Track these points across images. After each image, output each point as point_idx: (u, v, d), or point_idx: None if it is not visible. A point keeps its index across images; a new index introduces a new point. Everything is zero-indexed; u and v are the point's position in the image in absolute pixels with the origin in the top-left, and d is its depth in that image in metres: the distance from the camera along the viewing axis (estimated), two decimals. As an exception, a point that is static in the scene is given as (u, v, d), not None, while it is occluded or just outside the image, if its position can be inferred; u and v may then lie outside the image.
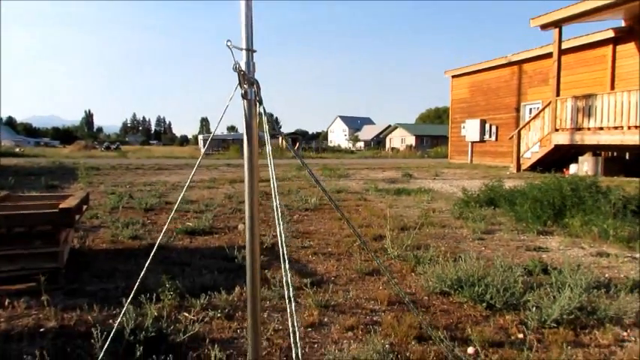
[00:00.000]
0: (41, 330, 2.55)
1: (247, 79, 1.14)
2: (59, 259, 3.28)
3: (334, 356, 2.25)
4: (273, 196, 1.26)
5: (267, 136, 1.27)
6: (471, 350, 2.47)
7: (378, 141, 75.45)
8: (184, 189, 1.76)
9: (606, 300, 3.02)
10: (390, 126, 76.04)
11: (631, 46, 14.84)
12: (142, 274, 1.63)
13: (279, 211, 1.22)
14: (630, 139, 11.77)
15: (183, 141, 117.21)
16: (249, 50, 1.12)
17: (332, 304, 3.09)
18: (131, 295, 1.89)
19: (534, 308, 2.90)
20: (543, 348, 2.51)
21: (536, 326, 2.74)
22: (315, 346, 2.53)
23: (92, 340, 2.21)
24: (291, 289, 1.14)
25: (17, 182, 9.98)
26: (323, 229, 5.72)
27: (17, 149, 32.76)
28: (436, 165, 20.27)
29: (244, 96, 1.18)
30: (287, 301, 1.16)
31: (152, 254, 1.53)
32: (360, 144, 73.75)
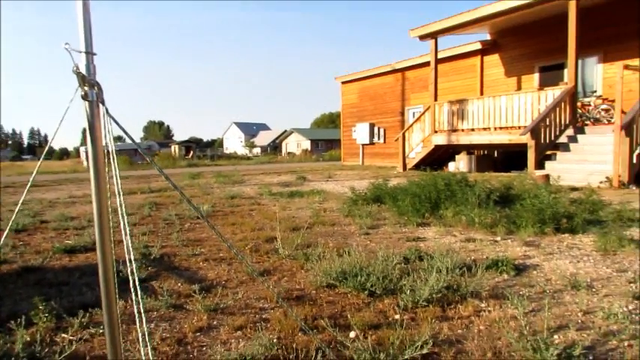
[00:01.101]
0: None
1: (87, 81, 1.16)
2: None
3: (221, 356, 2.29)
4: (118, 204, 1.28)
5: (110, 140, 1.28)
6: (352, 334, 2.65)
7: (275, 146, 75.90)
8: (25, 192, 1.69)
9: (468, 278, 3.41)
10: (285, 131, 76.87)
11: (495, 57, 16.70)
12: None
13: (125, 223, 1.24)
14: (496, 138, 13.23)
15: (63, 154, 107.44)
16: (89, 53, 1.14)
17: (221, 307, 3.11)
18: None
19: (409, 291, 3.18)
20: (415, 325, 2.77)
21: (410, 306, 3.02)
22: (204, 348, 2.54)
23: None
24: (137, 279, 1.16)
25: None
26: (215, 236, 5.67)
27: None
28: (330, 167, 20.96)
29: (84, 97, 1.19)
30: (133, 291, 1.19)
31: None
32: (257, 150, 73.61)
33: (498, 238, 5.09)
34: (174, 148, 49.38)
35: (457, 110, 14.51)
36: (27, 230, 6.40)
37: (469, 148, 15.24)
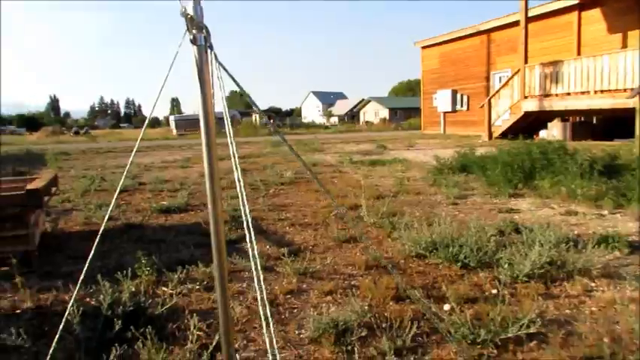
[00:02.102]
0: (17, 311, 2.51)
1: (196, 24, 1.11)
2: (30, 242, 3.21)
3: (313, 319, 2.28)
4: (234, 166, 1.24)
5: (221, 85, 1.24)
6: (447, 307, 2.54)
7: (352, 115, 75.45)
8: (129, 161, 1.73)
9: (575, 254, 3.13)
10: (363, 100, 75.98)
11: (596, 12, 15.05)
12: (90, 255, 1.60)
13: (242, 188, 1.20)
14: (597, 103, 12.05)
15: (155, 123, 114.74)
16: None
17: (310, 271, 3.12)
18: (83, 272, 1.87)
19: (507, 265, 2.99)
20: (516, 301, 2.60)
21: (509, 281, 2.83)
22: (295, 310, 2.56)
23: (69, 318, 2.18)
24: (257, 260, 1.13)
25: (-18, 170, 9.66)
26: (299, 202, 5.73)
27: (-20, 137, 31.55)
28: (410, 136, 20.43)
29: (193, 41, 1.15)
30: (253, 267, 1.16)
31: (101, 230, 1.49)
32: (334, 119, 73.59)
33: (605, 212, 4.65)
34: (255, 118, 50.74)
35: (550, 73, 13.36)
36: (128, 191, 6.87)
37: (563, 115, 14.06)
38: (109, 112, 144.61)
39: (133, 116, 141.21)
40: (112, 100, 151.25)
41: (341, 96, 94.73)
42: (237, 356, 2.03)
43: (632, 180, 4.92)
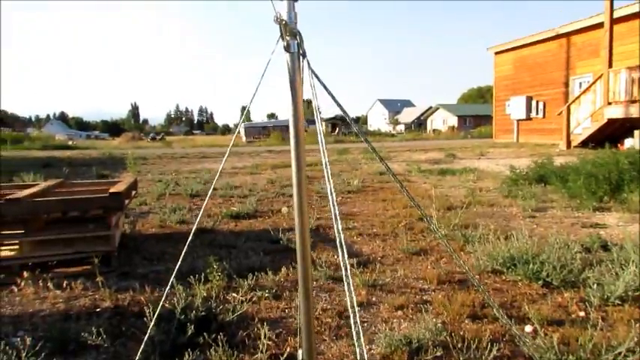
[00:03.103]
0: (97, 310, 2.63)
1: (289, 29, 1.09)
2: (111, 243, 3.38)
3: (385, 335, 2.20)
4: (326, 174, 1.20)
5: (314, 93, 1.21)
6: (528, 329, 2.36)
7: (419, 123, 74.11)
8: (220, 167, 1.74)
9: (675, 277, 2.82)
10: (430, 107, 74.46)
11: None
12: (182, 255, 1.62)
13: (332, 188, 1.16)
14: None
15: (226, 130, 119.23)
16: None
17: (380, 283, 3.04)
18: (173, 274, 1.90)
19: (595, 285, 2.74)
20: (608, 326, 2.37)
21: (598, 304, 2.60)
22: (365, 324, 2.49)
23: (145, 319, 2.25)
24: (349, 270, 1.08)
25: (71, 172, 10.44)
26: (367, 211, 5.65)
27: (70, 142, 34.24)
28: (480, 145, 19.69)
29: (287, 49, 1.12)
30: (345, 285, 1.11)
31: (192, 233, 1.50)
32: (401, 127, 72.66)
33: None
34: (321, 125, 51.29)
35: (638, 78, 12.34)
36: (200, 196, 7.12)
37: (653, 123, 12.93)
38: (183, 119, 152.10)
39: (205, 123, 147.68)
40: (186, 108, 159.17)
41: (408, 104, 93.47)
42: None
43: None
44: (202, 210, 1.63)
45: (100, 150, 22.68)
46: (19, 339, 2.25)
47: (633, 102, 12.51)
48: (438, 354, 2.07)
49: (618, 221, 4.68)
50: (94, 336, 2.14)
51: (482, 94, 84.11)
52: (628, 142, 13.00)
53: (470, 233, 4.09)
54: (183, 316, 2.27)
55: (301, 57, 1.15)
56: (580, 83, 17.82)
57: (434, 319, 2.40)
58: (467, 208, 5.42)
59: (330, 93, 1.25)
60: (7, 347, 2.02)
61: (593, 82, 14.19)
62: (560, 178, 6.27)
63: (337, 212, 1.09)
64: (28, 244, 3.21)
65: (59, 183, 4.11)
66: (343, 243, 1.06)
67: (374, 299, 2.82)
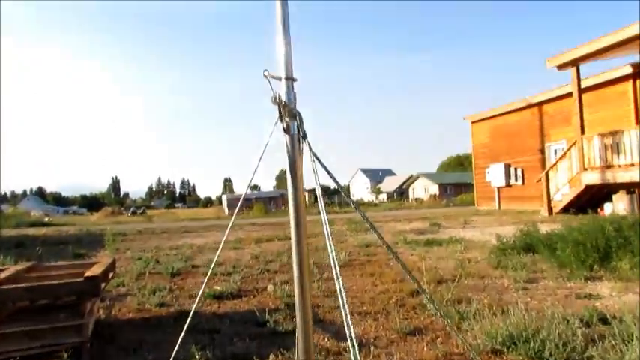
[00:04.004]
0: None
1: (288, 110, 1.04)
2: (84, 333, 3.14)
3: None
4: (328, 245, 1.11)
5: (316, 178, 1.14)
6: (538, 419, 2.18)
7: (401, 192, 75.08)
8: (217, 253, 1.63)
9: (681, 352, 2.69)
10: (412, 176, 75.86)
11: (652, 81, 14.65)
12: (175, 349, 1.47)
13: (335, 263, 1.07)
14: (666, 174, 11.33)
15: (207, 202, 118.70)
16: (290, 79, 1.02)
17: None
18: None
19: (601, 365, 2.60)
20: (621, 413, 2.21)
21: (607, 387, 2.44)
22: (362, 420, 2.28)
23: None
24: None
25: (45, 251, 10.05)
26: (355, 287, 5.48)
27: (46, 218, 33.47)
28: (463, 213, 19.84)
29: (286, 130, 1.07)
30: None
31: (185, 327, 1.38)
32: (383, 196, 73.40)
33: (702, 300, 4.11)
34: (305, 196, 51.53)
35: (610, 144, 12.81)
36: (180, 274, 6.85)
37: (629, 187, 13.25)
38: (165, 192, 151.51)
39: (187, 196, 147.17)
40: (168, 181, 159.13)
41: (389, 173, 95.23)
42: None
43: None
44: (200, 292, 1.50)
45: (77, 226, 22.16)
46: None
47: (609, 167, 12.88)
48: None
49: (611, 291, 4.59)
50: None
51: (461, 162, 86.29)
52: (607, 208, 13.23)
53: (464, 309, 3.94)
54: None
55: (301, 139, 1.10)
56: (555, 150, 18.45)
57: (436, 412, 2.21)
58: (458, 281, 5.29)
59: (331, 175, 1.20)
60: None
61: (568, 149, 14.68)
62: (548, 247, 6.23)
63: (345, 301, 0.99)
64: (-5, 337, 2.96)
65: (30, 266, 3.89)
66: (354, 338, 0.95)
67: (370, 388, 2.61)
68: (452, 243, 8.75)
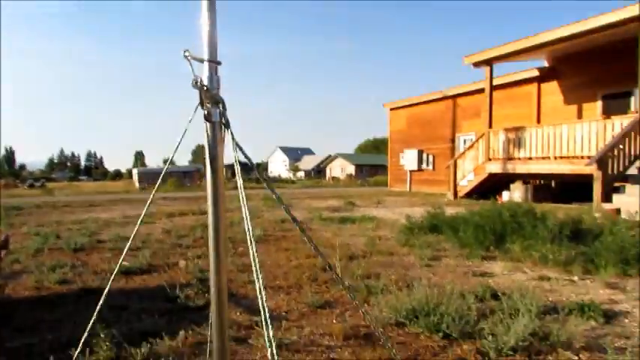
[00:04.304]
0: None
1: (211, 96, 1.00)
2: (-28, 311, 2.88)
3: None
4: (246, 219, 1.10)
5: (237, 167, 1.13)
6: (433, 385, 2.37)
7: (319, 170, 76.17)
8: (136, 229, 1.56)
9: (555, 324, 3.05)
10: (330, 156, 77.14)
11: (554, 85, 16.08)
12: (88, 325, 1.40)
13: (254, 253, 1.07)
14: (556, 168, 12.58)
15: (116, 175, 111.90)
16: (213, 62, 0.98)
17: (286, 342, 2.91)
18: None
19: (490, 336, 2.87)
20: (504, 377, 2.46)
21: (493, 355, 2.71)
22: (271, 392, 2.33)
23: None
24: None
25: None
26: (269, 262, 5.52)
27: None
28: (377, 193, 20.62)
29: (207, 118, 1.03)
30: None
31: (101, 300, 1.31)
32: (301, 174, 74.04)
33: (575, 278, 4.65)
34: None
35: (514, 138, 13.97)
36: (84, 249, 6.47)
37: (525, 177, 14.57)
38: (69, 164, 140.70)
39: (94, 169, 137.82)
40: (72, 153, 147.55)
41: (308, 152, 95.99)
42: None
43: (599, 246, 4.98)
44: (118, 266, 1.43)
45: (-35, 196, 19.95)
46: None
47: (510, 159, 14.02)
48: (349, 421, 1.98)
49: (503, 269, 5.05)
50: None
51: (377, 145, 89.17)
52: (505, 195, 14.43)
53: (372, 284, 4.14)
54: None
55: (224, 127, 1.06)
56: (464, 140, 19.69)
57: (342, 381, 2.32)
58: (367, 257, 5.53)
59: (250, 161, 1.18)
60: None
61: (476, 140, 15.73)
62: (451, 228, 6.69)
63: (260, 278, 0.99)
64: None
65: None
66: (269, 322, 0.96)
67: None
68: (364, 221, 9.09)
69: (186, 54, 0.94)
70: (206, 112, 1.02)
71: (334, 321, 3.38)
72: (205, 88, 0.98)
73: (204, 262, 5.34)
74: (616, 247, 4.90)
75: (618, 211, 9.04)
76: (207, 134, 1.04)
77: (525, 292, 3.72)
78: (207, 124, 1.03)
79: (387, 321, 3.30)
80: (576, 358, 2.74)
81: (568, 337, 2.88)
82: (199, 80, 0.97)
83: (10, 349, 2.87)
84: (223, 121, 1.05)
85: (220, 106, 1.03)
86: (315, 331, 3.16)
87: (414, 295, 3.45)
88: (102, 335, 2.69)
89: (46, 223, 9.88)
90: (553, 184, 14.99)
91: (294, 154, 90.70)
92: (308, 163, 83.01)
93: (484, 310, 3.43)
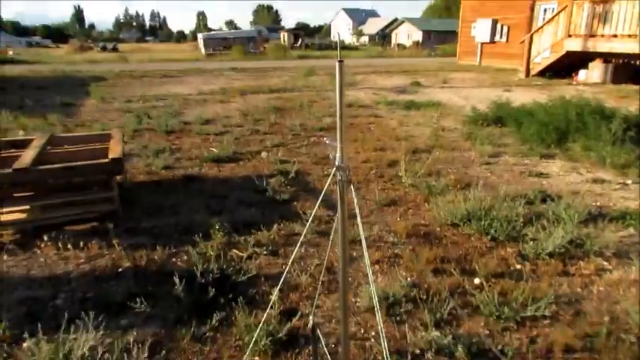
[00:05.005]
0: (120, 270, 3.05)
1: None
2: (114, 203, 3.73)
3: (366, 289, 2.77)
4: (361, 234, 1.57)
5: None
6: (477, 281, 2.99)
7: (384, 35, 72.59)
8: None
9: (593, 231, 3.49)
10: (396, 19, 72.63)
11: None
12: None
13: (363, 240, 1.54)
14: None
15: (180, 37, 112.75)
16: None
17: (358, 238, 3.57)
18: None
19: (531, 242, 3.38)
20: (536, 278, 3.02)
21: (532, 257, 3.24)
22: (350, 279, 3.05)
23: (173, 280, 2.70)
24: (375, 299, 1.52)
25: (30, 98, 10.20)
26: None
27: (10, 52, 31.88)
28: (444, 67, 20.01)
29: None
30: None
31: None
32: (365, 38, 71.08)
33: (629, 182, 4.89)
34: (283, 36, 49.47)
35: (599, 13, 12.75)
36: (174, 132, 7.32)
37: (607, 56, 13.58)
38: (134, 24, 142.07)
39: (158, 29, 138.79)
40: (136, 12, 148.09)
41: (373, 14, 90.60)
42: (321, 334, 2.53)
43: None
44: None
45: (49, 65, 21.46)
46: (60, 301, 2.68)
47: (592, 36, 13.00)
48: (409, 307, 2.66)
49: (559, 170, 5.34)
50: (130, 298, 2.60)
51: (449, 6, 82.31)
52: (582, 74, 13.69)
53: (433, 184, 4.64)
54: (203, 280, 2.74)
55: None
56: (545, 9, 18.06)
57: (404, 274, 2.99)
58: (430, 152, 5.95)
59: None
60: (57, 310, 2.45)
61: (557, 13, 14.47)
62: (515, 122, 6.84)
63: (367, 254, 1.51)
64: (39, 208, 3.52)
65: (50, 139, 4.28)
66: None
67: (354, 254, 3.36)
68: (429, 107, 9.28)
69: None
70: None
71: (398, 219, 4.00)
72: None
73: (283, 152, 6.00)
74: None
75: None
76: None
77: (574, 198, 4.11)
78: None
79: (444, 222, 3.87)
80: (606, 263, 3.23)
81: (602, 245, 3.33)
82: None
83: (145, 229, 3.75)
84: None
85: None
86: (382, 228, 3.81)
87: (469, 201, 3.94)
88: (216, 226, 3.45)
89: (131, 98, 10.84)
90: (638, 62, 13.92)
91: (359, 17, 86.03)
92: (372, 26, 78.91)
93: (531, 216, 3.88)
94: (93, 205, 3.68)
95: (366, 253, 1.46)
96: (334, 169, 1.38)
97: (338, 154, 1.36)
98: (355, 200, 1.42)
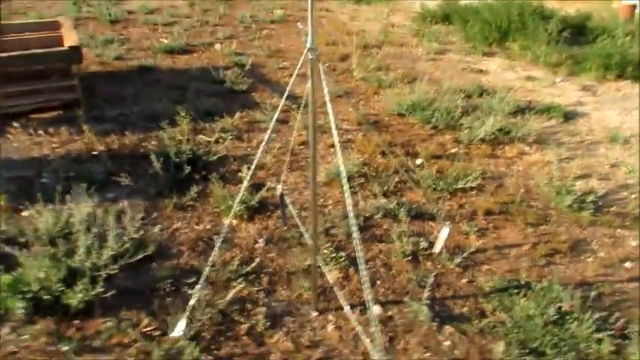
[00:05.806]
0: (95, 153, 3.24)
1: None
2: (77, 91, 3.78)
3: (325, 168, 3.16)
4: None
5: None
6: (418, 161, 3.45)
7: None
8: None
9: (520, 121, 3.99)
10: None
11: None
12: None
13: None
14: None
15: None
16: None
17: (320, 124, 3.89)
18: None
19: (467, 129, 3.85)
20: (468, 159, 3.53)
21: (466, 143, 3.73)
22: (308, 159, 3.41)
23: (148, 160, 2.95)
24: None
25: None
26: (293, 47, 6.18)
27: None
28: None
29: None
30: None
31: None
32: None
33: (558, 79, 5.40)
34: None
35: None
36: (119, 22, 7.01)
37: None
38: None
39: None
40: None
41: None
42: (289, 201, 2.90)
43: (589, 51, 5.58)
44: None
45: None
46: (46, 179, 2.89)
47: None
48: (361, 182, 3.10)
49: (498, 67, 5.77)
50: (110, 176, 2.85)
51: None
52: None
53: (382, 78, 4.94)
54: (177, 159, 3.00)
55: None
56: None
57: (357, 156, 3.39)
58: (379, 47, 6.16)
59: None
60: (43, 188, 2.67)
61: None
62: (462, 19, 7.08)
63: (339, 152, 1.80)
64: (1, 96, 3.52)
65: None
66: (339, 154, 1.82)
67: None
68: (380, 2, 9.23)
69: None
70: None
71: (350, 109, 4.33)
72: None
73: (236, 45, 5.99)
74: (602, 51, 5.52)
75: (633, 8, 9.10)
76: None
77: (508, 92, 4.58)
78: None
79: (391, 112, 4.24)
80: (527, 148, 3.78)
81: (525, 133, 3.85)
82: None
83: (111, 117, 3.88)
84: None
85: None
86: (336, 117, 4.12)
87: (415, 93, 4.30)
88: (182, 113, 3.63)
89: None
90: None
91: None
92: None
93: (469, 108, 4.32)
94: (55, 93, 3.71)
95: (334, 131, 1.76)
96: (306, 50, 1.63)
97: (309, 37, 1.61)
98: (323, 76, 1.68)
